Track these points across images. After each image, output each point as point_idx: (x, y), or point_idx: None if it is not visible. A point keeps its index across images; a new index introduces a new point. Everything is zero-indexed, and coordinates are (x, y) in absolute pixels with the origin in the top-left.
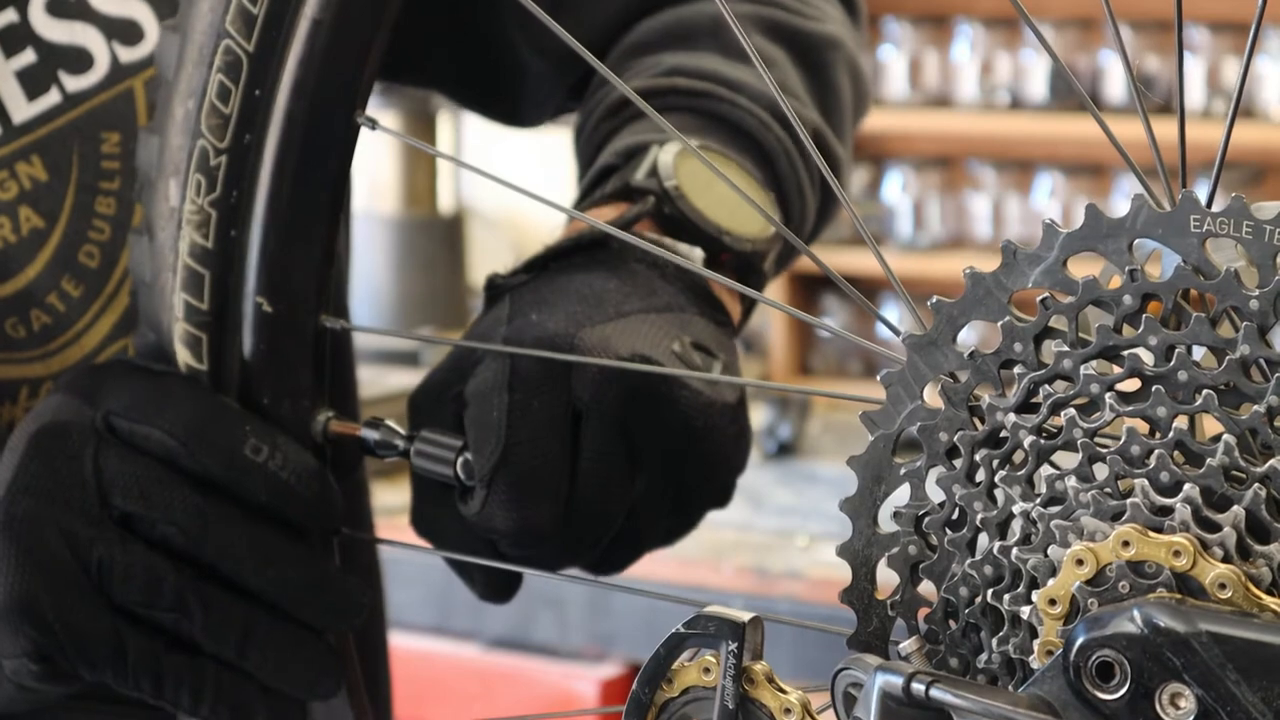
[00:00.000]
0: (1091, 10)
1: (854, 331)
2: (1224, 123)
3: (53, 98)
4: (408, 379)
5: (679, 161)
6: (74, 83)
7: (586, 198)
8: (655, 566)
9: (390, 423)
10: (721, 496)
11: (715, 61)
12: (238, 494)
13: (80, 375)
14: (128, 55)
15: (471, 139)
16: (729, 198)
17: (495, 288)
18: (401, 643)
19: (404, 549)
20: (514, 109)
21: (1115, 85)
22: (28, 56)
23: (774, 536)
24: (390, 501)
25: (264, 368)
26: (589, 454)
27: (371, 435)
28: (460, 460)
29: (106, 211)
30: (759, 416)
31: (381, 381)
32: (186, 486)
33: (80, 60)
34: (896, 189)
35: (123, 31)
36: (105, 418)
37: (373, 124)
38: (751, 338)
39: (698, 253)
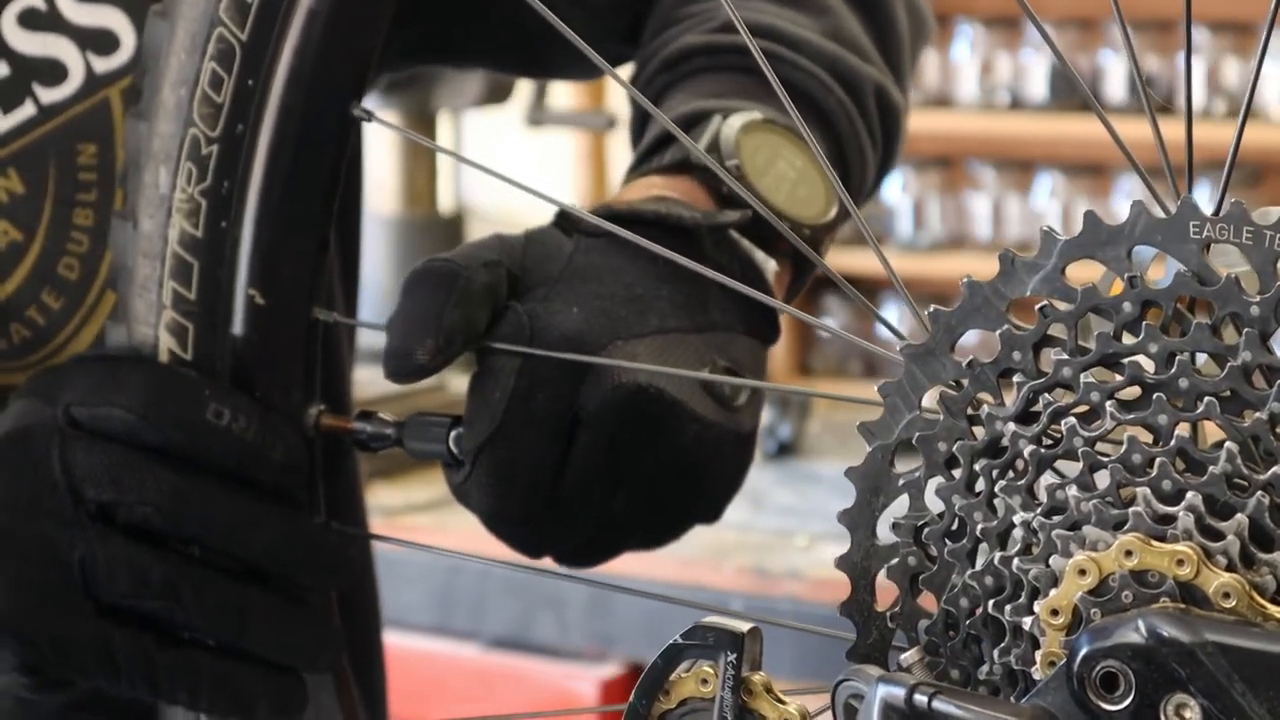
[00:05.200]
0: (1092, 10)
1: (854, 331)
2: (1222, 123)
3: (27, 110)
4: None
5: (741, 138)
6: (48, 95)
7: (642, 164)
8: (655, 566)
9: (381, 414)
10: (710, 517)
11: (773, 13)
12: (207, 462)
13: (37, 376)
14: (103, 65)
15: (472, 140)
16: (788, 179)
17: (568, 223)
18: (401, 643)
19: (402, 547)
20: (564, 65)
21: (1116, 85)
22: (0, 70)
23: (774, 536)
24: (390, 501)
25: (255, 360)
26: (575, 462)
27: (363, 428)
28: (453, 435)
29: (85, 223)
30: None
31: (382, 381)
32: (156, 464)
33: (54, 72)
34: (896, 189)
35: (97, 41)
36: (66, 411)
37: (369, 116)
38: None
39: (771, 265)
